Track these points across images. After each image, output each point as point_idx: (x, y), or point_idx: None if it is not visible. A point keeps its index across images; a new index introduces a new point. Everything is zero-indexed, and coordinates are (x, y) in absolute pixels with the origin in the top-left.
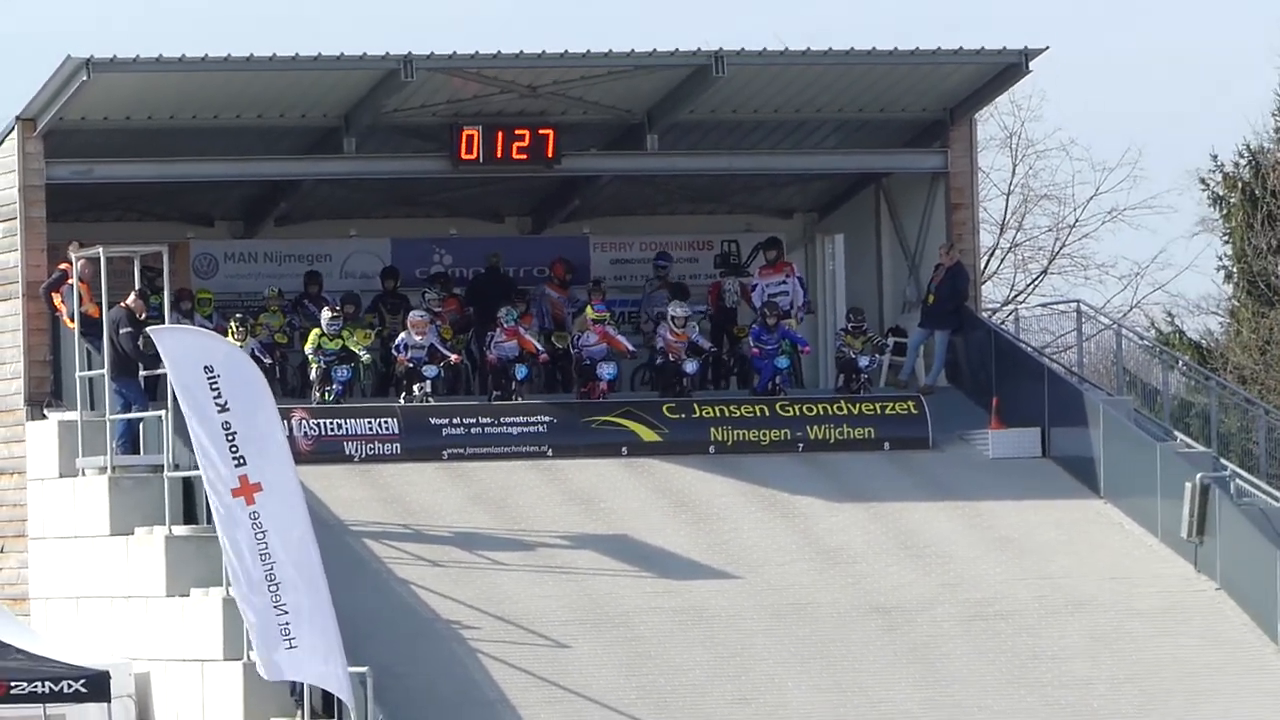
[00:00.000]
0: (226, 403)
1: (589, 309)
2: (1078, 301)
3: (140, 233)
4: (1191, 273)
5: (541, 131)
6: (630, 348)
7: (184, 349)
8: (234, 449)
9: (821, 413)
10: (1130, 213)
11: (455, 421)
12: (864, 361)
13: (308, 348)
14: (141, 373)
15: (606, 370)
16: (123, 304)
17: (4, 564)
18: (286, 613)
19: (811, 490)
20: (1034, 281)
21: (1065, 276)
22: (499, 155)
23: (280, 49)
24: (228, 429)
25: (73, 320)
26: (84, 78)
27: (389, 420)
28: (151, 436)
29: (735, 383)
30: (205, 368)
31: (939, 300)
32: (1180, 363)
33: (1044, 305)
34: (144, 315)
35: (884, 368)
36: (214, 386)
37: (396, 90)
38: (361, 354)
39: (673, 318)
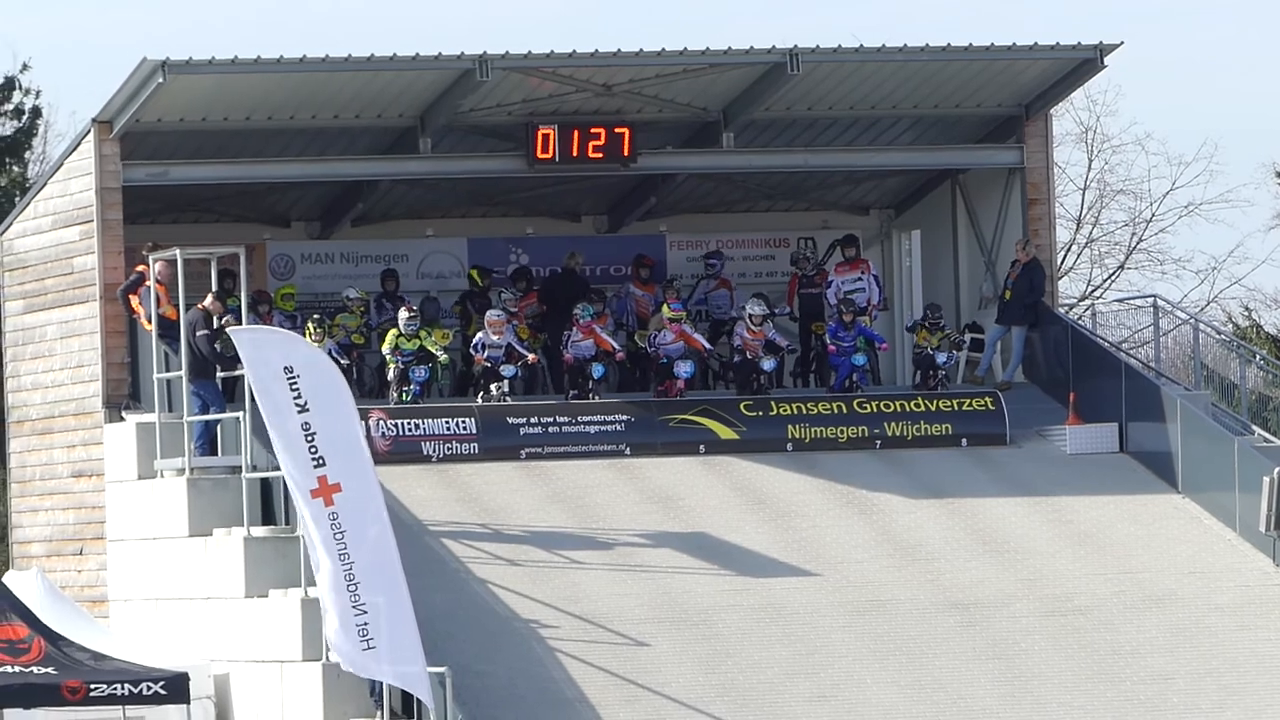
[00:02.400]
0: (306, 403)
1: (665, 307)
2: (1154, 296)
3: (217, 234)
4: (1268, 266)
5: (617, 130)
6: (707, 346)
7: (264, 349)
8: (313, 449)
9: (899, 409)
10: (1206, 207)
11: (533, 421)
12: (941, 358)
13: (385, 348)
14: (219, 374)
15: (683, 368)
16: (200, 306)
17: (83, 566)
18: (365, 612)
19: (889, 487)
20: (1110, 277)
21: (1142, 271)
22: (575, 154)
23: (355, 49)
24: (307, 429)
25: (150, 322)
26: (160, 80)
27: (467, 420)
28: (229, 438)
29: (814, 380)
30: (285, 368)
31: (1016, 296)
32: (1258, 357)
33: (1121, 300)
34: (221, 317)
35: (961, 364)
36: (294, 387)
37: (472, 90)
38: (439, 354)
39: (750, 316)
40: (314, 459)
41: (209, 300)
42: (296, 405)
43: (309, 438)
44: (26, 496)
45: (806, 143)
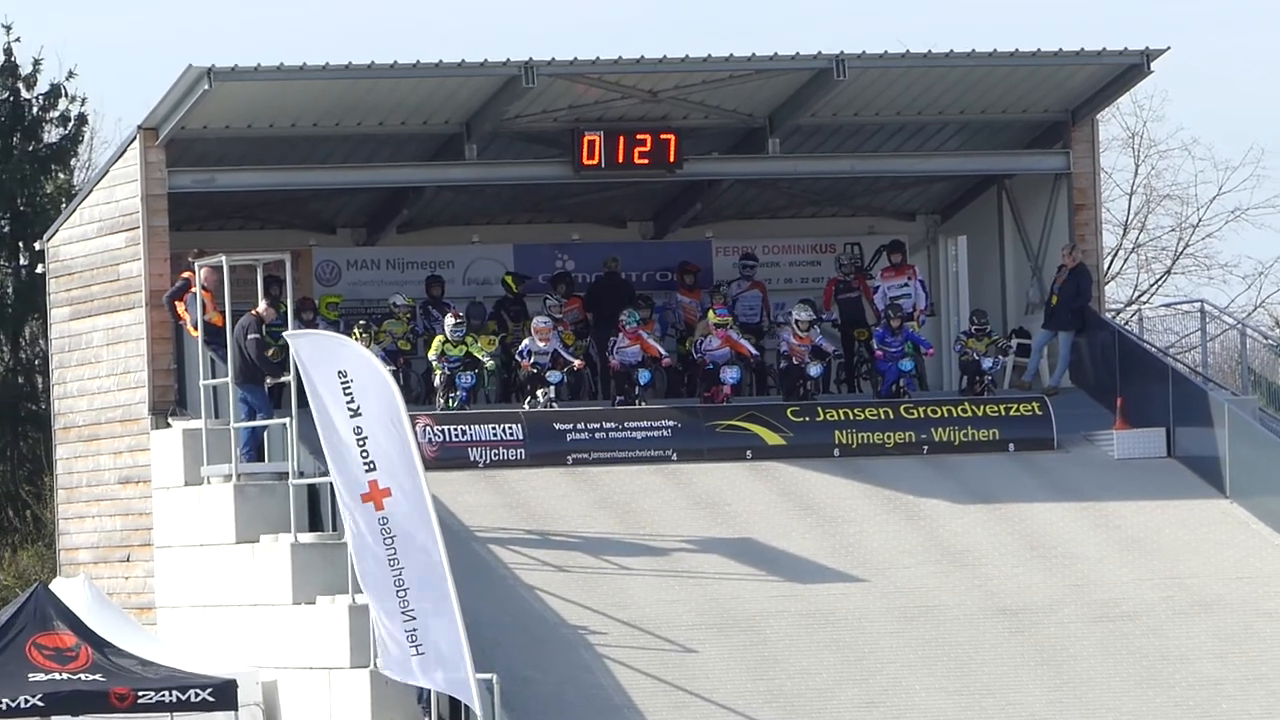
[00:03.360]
0: (359, 407)
1: (711, 313)
2: (1201, 301)
3: (262, 241)
4: None
5: (663, 136)
6: (753, 351)
7: (319, 352)
8: (365, 454)
9: (946, 415)
10: (1253, 212)
11: (579, 427)
12: (987, 363)
13: (431, 354)
14: (267, 381)
15: (730, 374)
16: (253, 311)
17: (130, 573)
18: (414, 618)
19: (936, 492)
20: (1157, 282)
21: (1189, 276)
22: (621, 160)
23: (401, 55)
24: (359, 434)
25: (196, 329)
26: (205, 87)
27: (513, 426)
28: (276, 444)
29: (859, 385)
30: (339, 372)
31: (1062, 301)
32: None
33: (1167, 305)
34: (274, 322)
35: (1008, 369)
36: (347, 391)
37: (518, 96)
38: (485, 360)
39: (796, 321)
40: (365, 463)
41: (262, 305)
42: (349, 409)
43: (360, 442)
44: (73, 503)
45: (852, 148)
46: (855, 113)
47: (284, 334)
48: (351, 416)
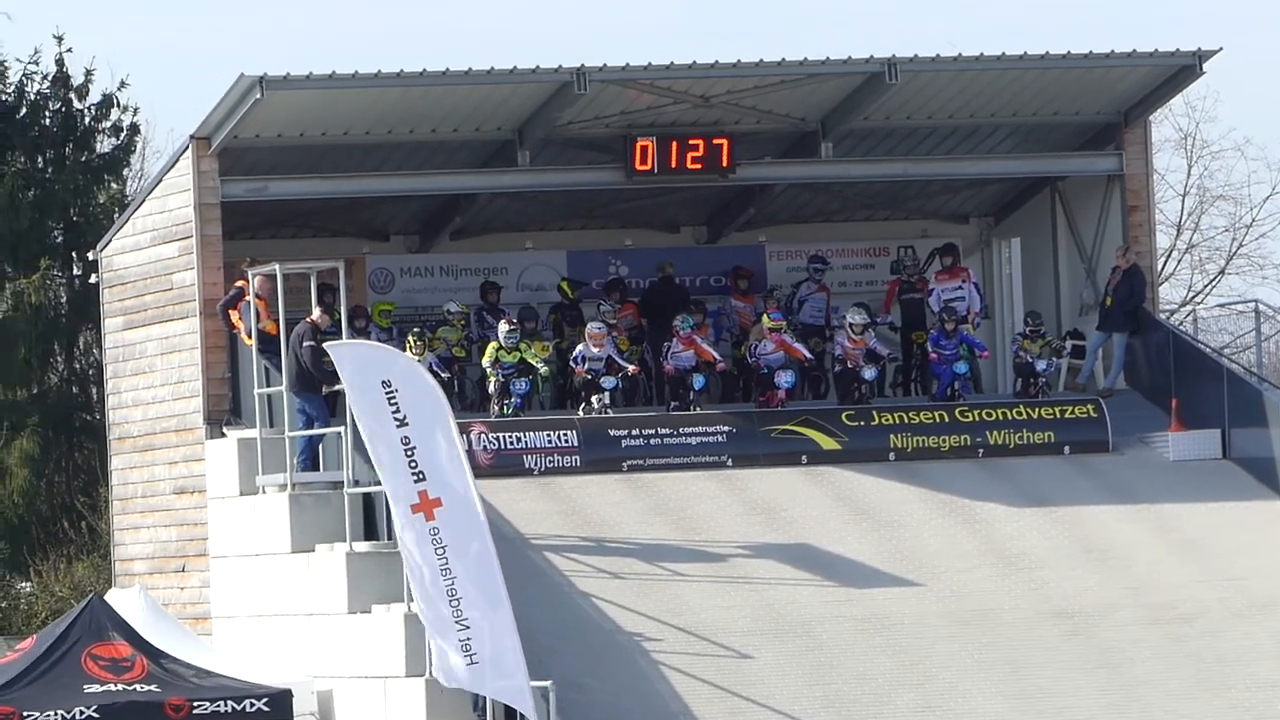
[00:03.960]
0: (405, 417)
1: (765, 317)
2: (1256, 301)
3: (315, 249)
4: None
5: (716, 141)
6: (808, 355)
7: (362, 363)
8: (413, 464)
9: (1001, 417)
10: None
11: (634, 433)
12: (1042, 365)
13: (485, 361)
14: (323, 389)
15: (784, 378)
16: (307, 319)
17: (186, 583)
18: (468, 627)
19: (992, 495)
20: (1211, 282)
21: (1243, 276)
22: (673, 165)
23: (453, 63)
24: (406, 444)
25: (250, 337)
26: (257, 96)
27: (568, 433)
28: (331, 453)
29: (915, 389)
30: (383, 382)
31: (1117, 303)
32: None
33: (1222, 306)
34: (326, 329)
35: (1062, 371)
36: (392, 401)
37: (570, 103)
38: (539, 366)
39: (851, 325)
40: (414, 474)
41: (316, 313)
42: (395, 419)
43: (409, 452)
44: (128, 514)
45: (905, 152)
46: (908, 116)
47: (325, 344)
48: (398, 426)
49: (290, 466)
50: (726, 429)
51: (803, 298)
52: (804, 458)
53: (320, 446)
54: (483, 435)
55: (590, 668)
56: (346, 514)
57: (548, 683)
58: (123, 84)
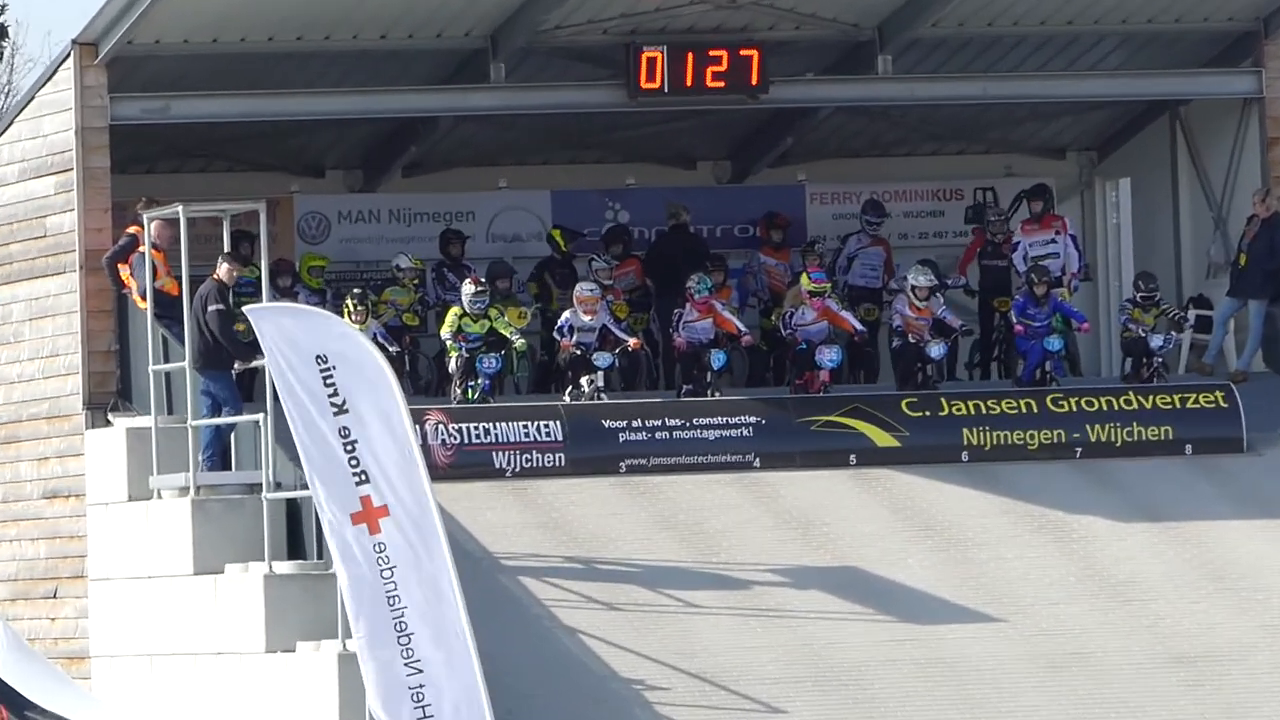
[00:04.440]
0: (344, 403)
1: (804, 278)
2: None
3: (231, 186)
4: None
5: (743, 52)
6: (859, 327)
7: (289, 334)
8: (354, 462)
9: (1104, 408)
10: None
11: (635, 424)
12: (1157, 342)
13: (445, 331)
14: (235, 366)
15: (828, 356)
16: (214, 276)
17: (58, 613)
18: (421, 670)
19: (1093, 507)
20: None
21: None
22: (689, 83)
23: None
24: (345, 436)
25: (145, 299)
26: None
27: (550, 424)
28: (246, 448)
29: (996, 371)
30: (317, 357)
31: (1253, 262)
32: None
33: None
34: (240, 289)
35: (1184, 349)
36: (329, 382)
37: (558, 3)
38: (514, 339)
39: (913, 288)
40: (355, 474)
41: (223, 267)
42: (332, 405)
43: (348, 448)
44: None
45: (984, 68)
46: (989, 22)
47: (245, 308)
48: (336, 414)
49: (194, 464)
50: (754, 420)
51: (853, 253)
52: (853, 457)
53: (233, 439)
54: (441, 426)
55: None
56: (265, 525)
57: None
58: None
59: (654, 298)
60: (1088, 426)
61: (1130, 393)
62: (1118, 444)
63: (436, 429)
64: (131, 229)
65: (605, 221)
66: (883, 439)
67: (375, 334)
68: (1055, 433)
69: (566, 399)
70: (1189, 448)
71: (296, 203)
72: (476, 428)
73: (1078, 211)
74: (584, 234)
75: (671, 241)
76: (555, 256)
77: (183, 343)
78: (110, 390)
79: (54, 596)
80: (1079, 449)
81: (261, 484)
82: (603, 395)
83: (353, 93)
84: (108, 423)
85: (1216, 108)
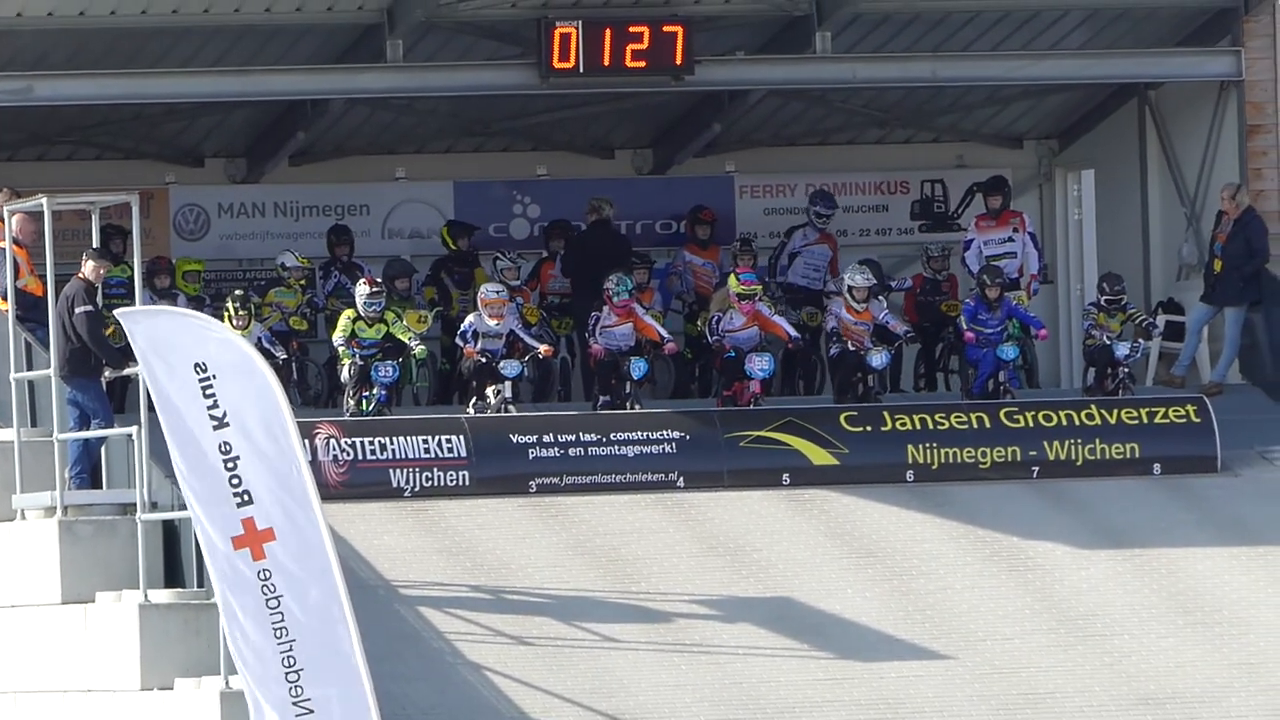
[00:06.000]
0: (225, 415)
1: (733, 279)
2: None
3: (101, 176)
4: None
5: (666, 29)
6: (793, 333)
7: (164, 339)
8: (235, 481)
9: (1064, 423)
10: None
11: (547, 440)
12: (1123, 350)
13: (337, 336)
14: (105, 374)
15: (759, 365)
16: (79, 275)
17: None
18: (311, 710)
19: (1051, 532)
20: None
21: None
22: (606, 63)
23: None
24: (226, 453)
25: (5, 300)
26: None
27: (454, 439)
28: (118, 463)
29: (943, 381)
30: (196, 365)
31: (1229, 264)
32: None
33: None
34: (110, 289)
35: (1152, 358)
36: (208, 393)
37: None
38: (414, 345)
39: (850, 289)
40: (237, 495)
41: (89, 265)
42: (212, 419)
43: (229, 464)
44: None
45: (934, 46)
46: None
47: (115, 312)
48: (216, 428)
49: (61, 482)
50: (677, 435)
51: (796, 249)
52: (786, 477)
53: (103, 454)
54: (333, 441)
55: None
56: (140, 550)
57: None
58: None
59: (570, 299)
60: (1046, 443)
61: (1093, 406)
62: (1079, 463)
63: (327, 444)
64: None
65: (513, 215)
66: (819, 456)
67: (259, 339)
68: (1010, 450)
69: (471, 411)
70: (1157, 467)
71: (172, 194)
72: (372, 443)
73: (1036, 206)
74: (476, 229)
75: (590, 239)
76: (450, 255)
77: (47, 348)
78: None
79: None
80: (1036, 468)
81: (135, 504)
82: (511, 407)
83: (234, 72)
84: None
85: (1190, 91)
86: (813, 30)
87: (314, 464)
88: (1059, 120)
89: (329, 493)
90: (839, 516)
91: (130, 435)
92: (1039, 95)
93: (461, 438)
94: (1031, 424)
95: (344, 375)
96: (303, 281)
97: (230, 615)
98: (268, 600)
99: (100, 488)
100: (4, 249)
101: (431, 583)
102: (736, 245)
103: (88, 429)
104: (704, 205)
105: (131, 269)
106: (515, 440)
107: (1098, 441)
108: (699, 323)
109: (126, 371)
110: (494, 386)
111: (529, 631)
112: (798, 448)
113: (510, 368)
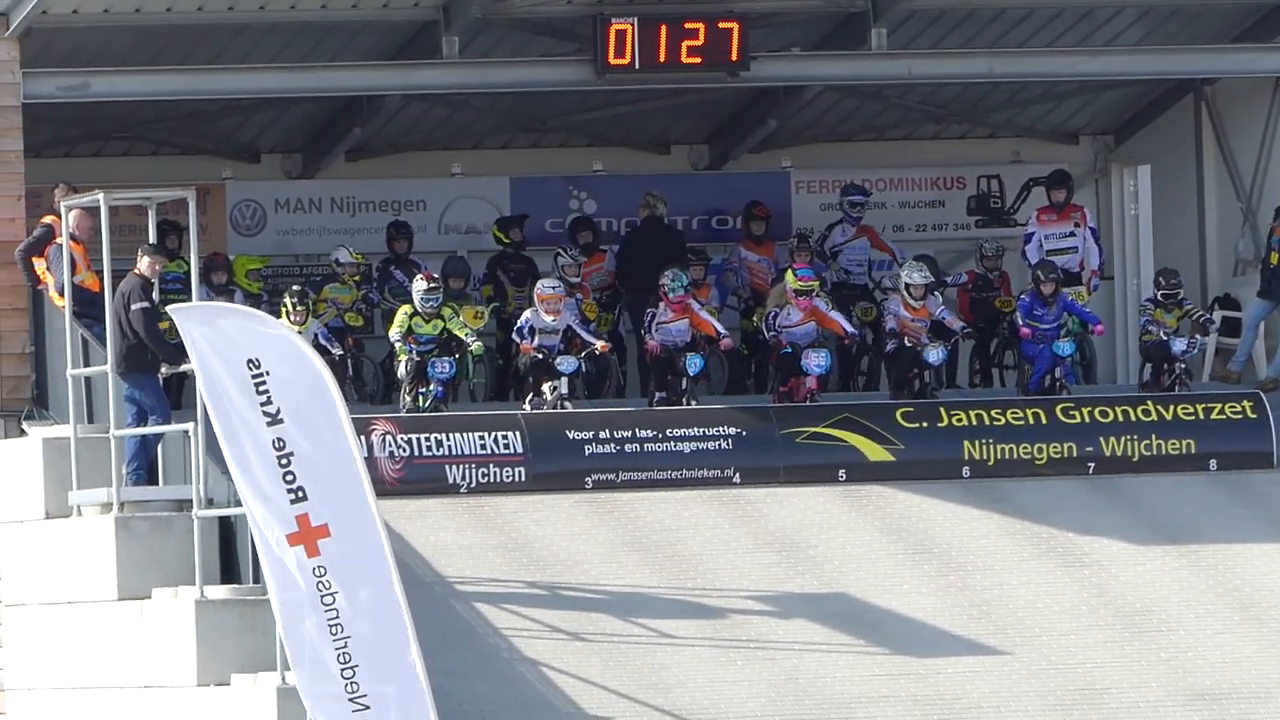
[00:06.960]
0: (279, 412)
1: (790, 275)
2: None
3: (157, 172)
4: None
5: (722, 25)
6: (850, 328)
7: (219, 336)
8: (289, 478)
9: (1121, 418)
10: None
11: (603, 436)
12: (1180, 346)
13: (393, 333)
14: (162, 370)
15: (816, 361)
16: (135, 270)
17: None
18: (367, 707)
19: (1107, 528)
20: None
21: None
22: (662, 59)
23: None
24: (280, 449)
25: (62, 296)
26: None
27: (510, 435)
28: (175, 460)
29: (999, 377)
30: (249, 362)
31: None
32: None
33: None
34: (168, 284)
35: (1209, 354)
36: (261, 389)
37: None
38: (470, 341)
39: (908, 286)
40: (291, 491)
41: (145, 260)
42: (266, 415)
43: (283, 461)
44: None
45: (990, 42)
46: None
47: (169, 308)
48: (270, 425)
49: (117, 478)
50: (733, 431)
51: (837, 245)
52: (842, 473)
53: (160, 451)
54: (389, 438)
55: None
56: (196, 546)
57: None
58: None
59: (624, 296)
60: (1102, 439)
61: (1149, 402)
62: (1135, 458)
63: (384, 440)
64: (47, 219)
65: (570, 212)
66: (875, 452)
67: (316, 336)
68: (1066, 446)
69: (527, 408)
70: (1214, 463)
71: (229, 190)
72: (428, 439)
73: (1092, 201)
74: (526, 216)
75: (644, 234)
76: (505, 251)
77: (104, 344)
78: (25, 397)
79: None
80: (1092, 464)
81: (192, 500)
82: (567, 404)
83: (291, 69)
84: (22, 432)
85: (1245, 87)
86: (868, 26)
87: (370, 460)
88: (1115, 116)
89: (385, 489)
90: (895, 512)
91: (187, 431)
92: (1095, 91)
93: (518, 434)
94: (1088, 420)
95: (400, 371)
96: (357, 277)
97: (285, 611)
98: (322, 597)
99: (157, 484)
100: (61, 245)
101: (487, 579)
102: (794, 241)
103: (145, 425)
104: (758, 201)
105: (188, 265)
106: (571, 436)
107: (1154, 437)
108: (755, 318)
109: (183, 368)
110: (550, 383)
111: (585, 628)
112: (854, 444)
113: (567, 363)
